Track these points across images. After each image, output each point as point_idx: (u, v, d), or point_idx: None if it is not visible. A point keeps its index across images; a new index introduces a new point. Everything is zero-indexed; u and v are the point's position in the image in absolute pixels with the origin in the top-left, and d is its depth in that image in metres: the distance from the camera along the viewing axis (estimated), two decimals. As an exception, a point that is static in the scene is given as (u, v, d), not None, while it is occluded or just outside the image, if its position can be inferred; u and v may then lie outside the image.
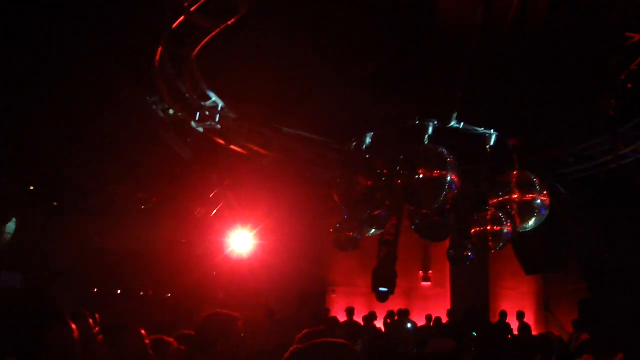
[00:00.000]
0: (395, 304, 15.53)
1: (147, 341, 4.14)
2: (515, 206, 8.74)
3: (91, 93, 9.28)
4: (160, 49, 8.13)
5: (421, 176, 7.67)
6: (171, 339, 5.02)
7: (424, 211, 10.07)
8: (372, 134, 9.69)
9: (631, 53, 9.09)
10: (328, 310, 15.93)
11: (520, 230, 9.26)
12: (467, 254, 12.17)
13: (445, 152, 8.06)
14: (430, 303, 16.84)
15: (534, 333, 14.81)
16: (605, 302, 12.50)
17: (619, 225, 12.23)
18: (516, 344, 11.86)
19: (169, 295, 16.61)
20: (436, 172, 7.88)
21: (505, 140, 10.32)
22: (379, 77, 9.07)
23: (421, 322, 15.31)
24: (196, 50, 8.23)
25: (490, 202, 9.27)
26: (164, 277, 15.62)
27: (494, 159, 10.34)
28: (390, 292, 14.71)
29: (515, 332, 14.43)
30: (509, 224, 8.90)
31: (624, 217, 12.12)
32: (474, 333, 11.78)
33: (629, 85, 9.59)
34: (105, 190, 13.16)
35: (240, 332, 4.09)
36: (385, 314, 15.40)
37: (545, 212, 8.76)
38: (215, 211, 13.40)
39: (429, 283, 17.31)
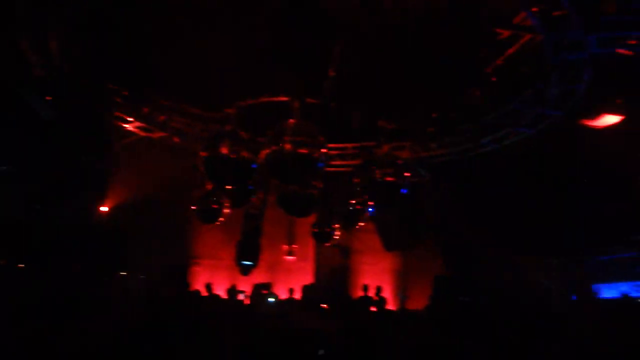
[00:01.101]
0: (259, 277, 15.52)
1: None
2: (377, 185, 8.93)
3: None
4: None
5: (288, 151, 7.60)
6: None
7: (291, 186, 10.07)
8: (242, 106, 9.50)
9: (498, 48, 9.55)
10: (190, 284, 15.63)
11: (382, 209, 9.49)
12: (330, 231, 12.35)
13: (315, 129, 8.04)
14: (293, 276, 16.99)
15: (392, 307, 15.44)
16: (458, 278, 13.22)
17: (475, 207, 12.92)
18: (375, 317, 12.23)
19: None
20: (304, 149, 7.84)
21: (373, 122, 10.50)
22: (254, 50, 8.88)
23: (284, 295, 15.42)
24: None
25: (354, 180, 9.42)
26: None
27: (362, 139, 10.53)
28: (254, 265, 14.66)
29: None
30: (371, 202, 9.09)
31: (480, 200, 12.82)
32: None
33: (494, 79, 10.08)
34: None
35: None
36: (249, 287, 15.35)
37: (406, 192, 9.03)
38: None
39: (293, 257, 17.44)
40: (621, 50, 9.78)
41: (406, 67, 9.88)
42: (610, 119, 10.52)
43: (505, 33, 9.18)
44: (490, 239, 12.78)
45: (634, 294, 10.39)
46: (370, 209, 9.16)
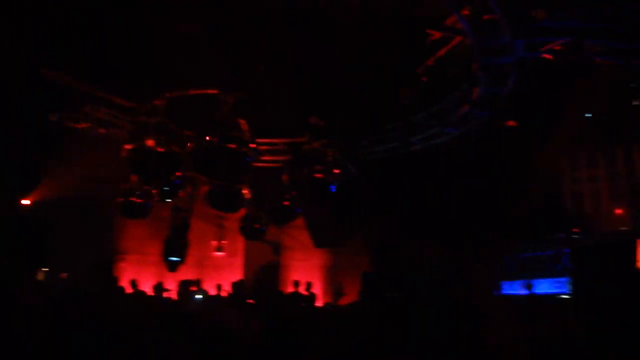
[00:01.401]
0: (187, 273, 15.23)
1: None
2: (304, 182, 8.89)
3: None
4: None
5: (215, 146, 7.46)
6: None
7: (217, 181, 9.90)
8: (170, 99, 9.28)
9: (429, 49, 9.68)
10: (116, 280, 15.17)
11: (311, 205, 9.47)
12: (259, 227, 12.22)
13: (242, 124, 7.93)
14: (223, 273, 16.77)
15: (321, 303, 15.43)
16: (386, 275, 13.38)
17: (403, 205, 13.10)
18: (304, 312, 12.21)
19: None
20: (231, 144, 7.72)
21: (304, 117, 10.45)
22: (183, 41, 8.69)
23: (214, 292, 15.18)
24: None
25: (284, 177, 9.35)
26: None
27: (292, 135, 10.47)
28: (181, 261, 14.39)
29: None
30: (300, 199, 9.04)
31: (408, 198, 13.01)
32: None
33: (424, 79, 10.21)
34: None
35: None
36: (176, 283, 15.04)
37: (335, 189, 9.03)
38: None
39: (222, 253, 17.20)
40: (547, 55, 10.11)
41: (339, 65, 9.90)
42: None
43: (437, 34, 9.31)
44: (416, 236, 12.98)
45: (554, 290, 10.73)
46: (297, 205, 9.08)
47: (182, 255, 14.32)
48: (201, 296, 14.25)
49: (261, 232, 12.40)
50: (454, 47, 9.44)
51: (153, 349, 6.16)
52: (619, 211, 12.50)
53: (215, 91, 8.79)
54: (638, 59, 9.80)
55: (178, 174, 8.92)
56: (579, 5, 8.44)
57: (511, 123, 10.96)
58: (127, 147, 8.35)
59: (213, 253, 17.13)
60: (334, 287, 14.67)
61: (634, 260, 8.97)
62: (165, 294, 14.46)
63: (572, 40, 9.19)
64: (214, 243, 17.13)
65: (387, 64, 10.21)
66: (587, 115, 11.65)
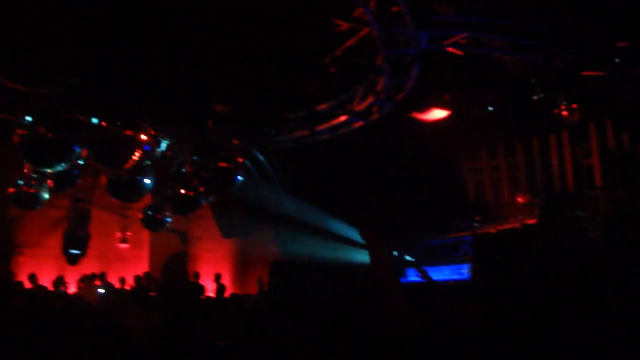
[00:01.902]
0: (90, 266, 14.65)
1: None
2: (210, 171, 8.69)
3: None
4: None
5: (110, 133, 7.15)
6: None
7: (114, 170, 9.50)
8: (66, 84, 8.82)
9: (338, 40, 9.67)
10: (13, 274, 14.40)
11: (218, 195, 9.28)
12: (162, 217, 11.84)
13: (141, 111, 7.64)
14: (127, 265, 16.23)
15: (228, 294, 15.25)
16: (294, 264, 13.39)
17: (311, 194, 13.12)
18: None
19: None
20: (127, 131, 7.43)
21: (210, 105, 10.24)
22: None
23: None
24: None
25: (187, 166, 9.11)
26: None
27: (200, 123, 10.21)
28: (83, 254, 13.80)
29: (212, 293, 14.71)
30: (203, 189, 8.83)
31: (316, 187, 13.04)
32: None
33: (332, 70, 10.21)
34: None
35: None
36: (77, 277, 14.44)
37: (241, 179, 8.88)
38: None
39: (126, 244, 16.63)
40: (451, 49, 10.33)
41: (245, 52, 9.73)
42: (438, 113, 11.11)
43: (344, 25, 9.31)
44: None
45: (455, 277, 11.02)
46: (201, 195, 8.84)
47: (84, 247, 13.74)
48: (104, 290, 13.76)
49: (163, 222, 12.01)
50: (362, 38, 9.48)
51: (41, 347, 5.84)
52: (519, 200, 12.98)
53: (117, 77, 8.44)
54: (538, 55, 10.20)
55: (75, 162, 8.47)
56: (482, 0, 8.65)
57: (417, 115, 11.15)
58: (20, 132, 7.87)
59: (117, 245, 16.55)
60: (258, 279, 14.49)
61: (533, 248, 9.36)
62: (63, 288, 13.88)
63: (474, 35, 9.45)
64: (118, 234, 16.56)
65: (295, 53, 10.14)
66: (489, 108, 12.00)
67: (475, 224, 12.00)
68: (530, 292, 8.45)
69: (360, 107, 10.99)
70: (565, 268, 8.95)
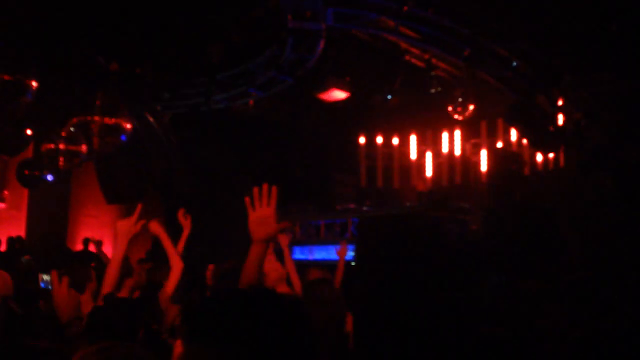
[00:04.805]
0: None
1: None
2: (95, 128, 8.22)
3: None
4: None
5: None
6: None
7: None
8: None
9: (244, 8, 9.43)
10: None
11: (99, 154, 8.83)
12: (40, 175, 11.06)
13: (26, 57, 7.10)
14: (3, 226, 15.19)
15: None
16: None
17: (203, 165, 12.84)
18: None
19: None
20: (7, 76, 6.89)
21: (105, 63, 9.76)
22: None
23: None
24: None
25: (72, 120, 8.57)
26: None
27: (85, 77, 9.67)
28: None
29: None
30: (84, 145, 8.34)
31: (208, 159, 12.76)
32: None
33: (236, 38, 9.96)
34: None
35: None
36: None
37: (125, 139, 8.48)
38: None
39: (3, 204, 15.54)
40: (357, 31, 10.34)
41: (145, 11, 9.33)
42: (337, 94, 11.11)
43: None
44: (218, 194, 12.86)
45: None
46: (80, 152, 8.34)
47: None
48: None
49: (42, 180, 11.23)
50: (268, 8, 9.29)
51: None
52: (418, 187, 13.23)
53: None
54: (438, 47, 10.40)
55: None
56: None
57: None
58: None
59: (-8, 203, 15.48)
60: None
61: (415, 234, 9.57)
62: None
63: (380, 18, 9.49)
64: (-6, 192, 15.50)
65: (198, 18, 9.82)
66: (388, 96, 12.11)
67: (365, 208, 12.15)
68: (403, 275, 8.69)
69: (260, 79, 10.81)
70: (444, 256, 9.25)
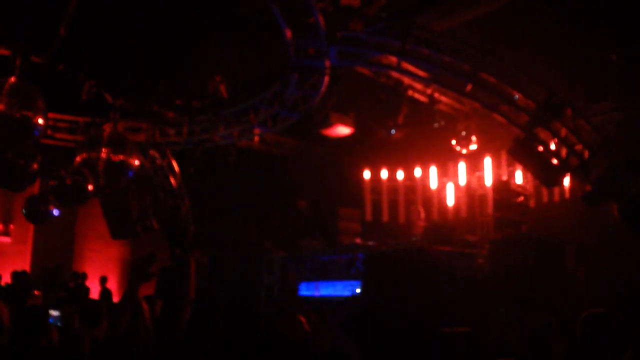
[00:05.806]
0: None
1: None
2: (102, 164, 8.25)
3: None
4: None
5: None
6: None
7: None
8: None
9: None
10: None
11: (106, 191, 8.86)
12: (46, 209, 11.09)
13: (35, 91, 7.16)
14: (8, 260, 15.19)
15: (116, 299, 14.60)
16: (184, 270, 12.98)
17: (204, 200, 12.89)
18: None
19: None
20: (17, 113, 6.93)
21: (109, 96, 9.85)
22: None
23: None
24: None
25: (78, 157, 8.61)
26: None
27: (92, 113, 9.78)
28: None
29: (96, 296, 14.08)
30: (91, 181, 8.37)
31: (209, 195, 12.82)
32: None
33: (241, 74, 10.08)
34: None
35: None
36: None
37: (132, 175, 8.51)
38: None
39: (8, 238, 15.56)
40: (360, 68, 10.44)
41: (150, 48, 9.47)
42: (341, 130, 11.18)
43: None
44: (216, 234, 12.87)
45: (347, 293, 11.05)
46: (87, 188, 8.36)
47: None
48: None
49: (48, 215, 11.23)
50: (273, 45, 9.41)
51: None
52: (418, 222, 13.20)
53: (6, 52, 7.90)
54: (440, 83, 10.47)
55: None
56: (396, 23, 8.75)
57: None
58: None
59: (0, 238, 15.49)
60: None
61: (417, 267, 9.57)
62: None
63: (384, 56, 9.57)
64: (1, 227, 15.53)
65: (203, 54, 9.96)
66: (392, 131, 12.15)
67: (370, 243, 12.13)
68: (410, 311, 8.66)
69: (264, 115, 10.87)
70: (451, 291, 9.20)
